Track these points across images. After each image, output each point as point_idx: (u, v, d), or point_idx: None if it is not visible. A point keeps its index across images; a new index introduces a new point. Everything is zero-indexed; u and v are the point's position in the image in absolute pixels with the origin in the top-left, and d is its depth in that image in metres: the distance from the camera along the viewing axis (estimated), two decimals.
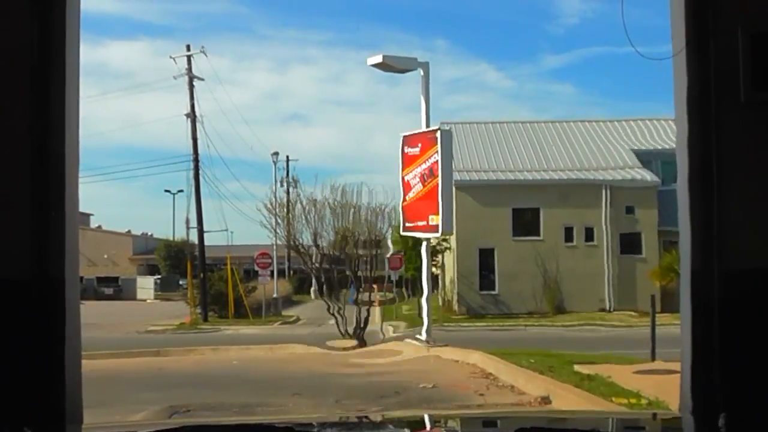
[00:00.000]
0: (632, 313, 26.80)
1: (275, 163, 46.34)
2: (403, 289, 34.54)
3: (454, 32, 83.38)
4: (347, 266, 19.38)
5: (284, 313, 33.69)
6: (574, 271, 29.20)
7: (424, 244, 16.97)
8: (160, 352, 15.45)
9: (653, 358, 11.73)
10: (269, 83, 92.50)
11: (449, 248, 30.11)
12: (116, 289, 51.60)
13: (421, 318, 16.49)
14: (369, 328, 18.26)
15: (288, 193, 35.24)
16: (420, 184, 16.29)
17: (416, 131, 16.74)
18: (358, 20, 79.16)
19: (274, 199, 21.07)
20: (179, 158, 33.86)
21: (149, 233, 64.54)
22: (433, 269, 28.41)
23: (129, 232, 63.36)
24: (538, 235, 29.97)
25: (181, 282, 46.29)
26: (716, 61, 2.54)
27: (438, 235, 17.54)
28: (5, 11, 2.48)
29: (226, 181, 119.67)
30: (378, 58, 16.21)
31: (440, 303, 31.06)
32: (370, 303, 19.04)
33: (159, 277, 54.43)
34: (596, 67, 78.74)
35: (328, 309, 18.42)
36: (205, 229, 32.53)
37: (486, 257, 30.06)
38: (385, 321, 23.08)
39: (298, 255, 20.59)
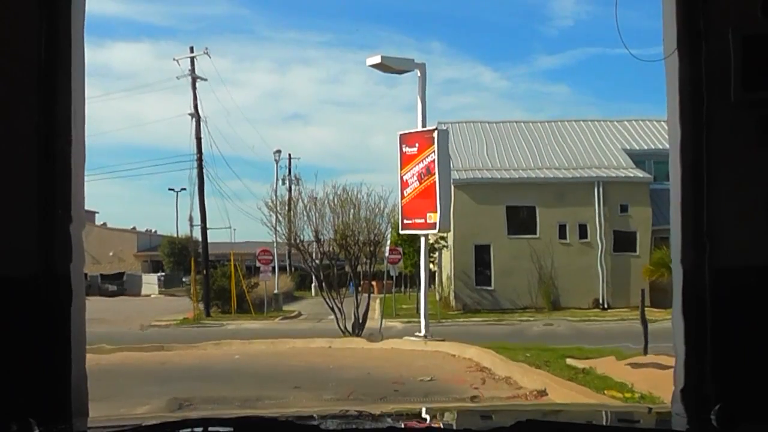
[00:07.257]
0: (626, 308, 26.89)
1: (277, 161, 46.25)
2: (401, 286, 34.56)
3: (450, 34, 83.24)
4: (347, 263, 19.45)
5: (285, 308, 33.70)
6: (568, 268, 29.27)
7: (423, 240, 17.02)
8: (164, 347, 15.49)
9: (645, 353, 11.83)
10: (270, 83, 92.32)
11: (446, 246, 30.15)
12: (120, 285, 51.58)
13: (419, 313, 16.57)
14: (368, 323, 18.33)
15: (290, 190, 35.25)
16: (418, 182, 16.36)
17: (413, 130, 16.77)
18: (356, 22, 78.93)
19: (275, 197, 21.13)
20: (182, 157, 33.89)
21: (153, 230, 64.37)
22: (431, 266, 28.48)
23: (133, 229, 63.24)
24: (534, 232, 30.03)
25: (184, 278, 46.32)
26: (707, 62, 2.59)
27: (435, 232, 17.61)
28: (14, 14, 2.53)
29: (228, 179, 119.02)
30: (376, 59, 16.26)
31: (437, 299, 31.12)
32: (369, 298, 19.09)
33: (163, 273, 54.43)
34: (590, 68, 78.37)
35: (328, 304, 18.49)
36: (207, 226, 32.62)
37: (482, 254, 30.13)
38: (383, 316, 23.13)
39: (299, 252, 20.61)
